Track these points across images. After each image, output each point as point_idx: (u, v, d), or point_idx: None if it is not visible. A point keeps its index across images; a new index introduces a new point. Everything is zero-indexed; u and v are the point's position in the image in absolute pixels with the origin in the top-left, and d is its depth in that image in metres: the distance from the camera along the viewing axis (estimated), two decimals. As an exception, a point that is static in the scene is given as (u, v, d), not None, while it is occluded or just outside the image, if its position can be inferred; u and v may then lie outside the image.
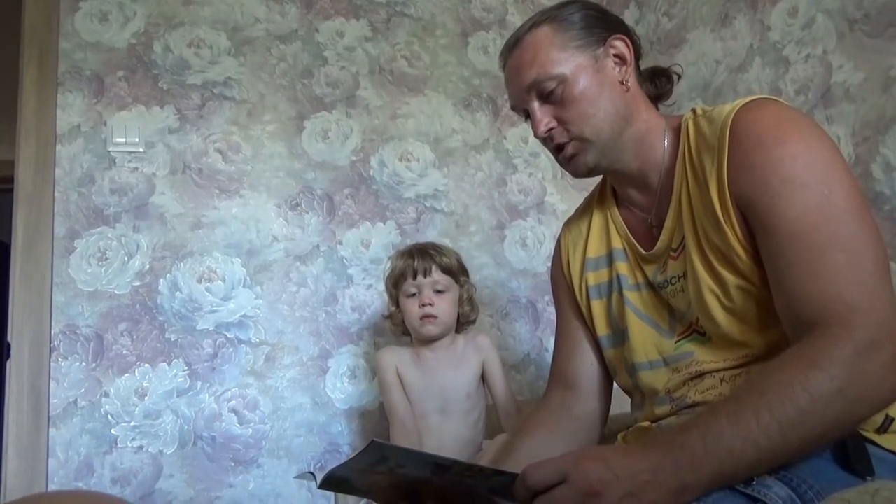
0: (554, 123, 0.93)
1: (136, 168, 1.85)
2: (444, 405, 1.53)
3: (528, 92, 0.93)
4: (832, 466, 0.72)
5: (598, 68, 0.92)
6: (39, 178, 1.77)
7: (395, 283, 1.55)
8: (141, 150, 1.86)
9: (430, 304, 1.50)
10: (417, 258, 1.52)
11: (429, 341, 1.55)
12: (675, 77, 1.02)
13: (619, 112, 0.92)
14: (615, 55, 0.94)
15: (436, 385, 1.53)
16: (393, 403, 1.53)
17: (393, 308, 1.59)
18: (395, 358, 1.57)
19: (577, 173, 0.96)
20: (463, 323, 1.60)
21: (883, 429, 0.75)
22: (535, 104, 0.93)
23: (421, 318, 1.51)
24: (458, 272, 1.57)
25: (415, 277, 1.51)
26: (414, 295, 1.52)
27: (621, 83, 0.93)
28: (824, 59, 1.48)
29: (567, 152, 0.94)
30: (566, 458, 0.67)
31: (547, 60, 0.91)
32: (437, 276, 1.52)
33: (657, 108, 1.02)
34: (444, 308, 1.52)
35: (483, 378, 1.58)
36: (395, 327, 1.62)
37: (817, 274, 0.73)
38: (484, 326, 2.03)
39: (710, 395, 0.85)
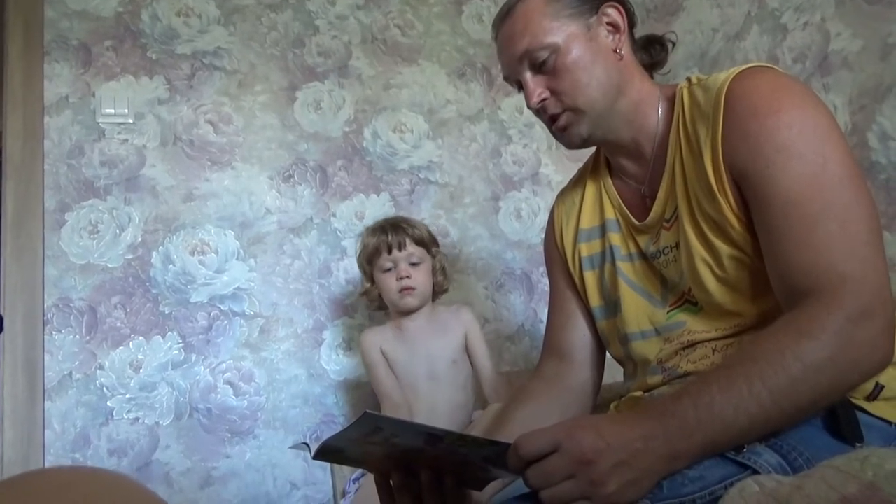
0: (547, 94, 0.92)
1: (126, 140, 1.83)
2: (431, 371, 1.55)
3: (520, 62, 0.92)
4: (822, 434, 0.72)
5: (591, 37, 0.91)
6: (28, 151, 1.75)
7: (370, 260, 1.57)
8: (130, 121, 1.84)
9: (408, 277, 1.52)
10: (391, 233, 1.54)
11: (408, 313, 1.57)
12: (669, 45, 1.01)
13: (613, 81, 0.91)
14: (608, 23, 0.92)
15: (421, 353, 1.56)
16: (379, 379, 1.56)
17: (368, 284, 1.61)
18: (378, 338, 1.59)
19: (571, 144, 0.96)
20: (437, 292, 1.63)
21: (873, 396, 0.76)
22: (528, 74, 0.92)
23: (400, 291, 1.53)
24: (429, 243, 1.59)
25: (389, 252, 1.53)
26: (390, 270, 1.55)
27: (615, 52, 0.92)
28: (822, 27, 1.46)
29: (560, 123, 0.93)
30: (559, 428, 0.67)
31: (539, 30, 0.90)
32: (411, 248, 1.54)
33: (652, 77, 1.00)
34: (421, 280, 1.55)
35: (467, 350, 1.61)
36: (371, 303, 1.65)
37: (810, 243, 0.73)
38: (478, 298, 2.03)
39: (701, 365, 0.85)
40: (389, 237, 1.53)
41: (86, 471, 0.69)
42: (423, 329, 1.58)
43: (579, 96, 0.90)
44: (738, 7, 1.69)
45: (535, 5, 0.91)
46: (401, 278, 1.53)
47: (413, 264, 1.54)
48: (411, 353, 1.56)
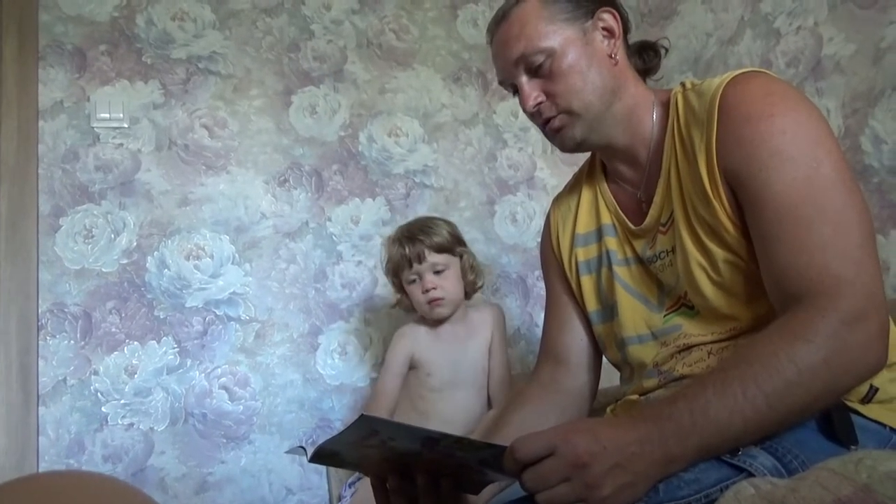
0: (543, 98, 0.92)
1: (121, 144, 1.83)
2: (459, 378, 1.53)
3: (515, 66, 0.92)
4: (817, 436, 0.72)
5: (587, 41, 0.91)
6: (23, 155, 1.74)
7: (395, 273, 1.54)
8: (125, 125, 1.84)
9: (434, 288, 1.48)
10: (408, 245, 1.49)
11: (441, 321, 1.54)
12: (662, 51, 1.01)
13: (608, 86, 0.91)
14: (603, 28, 0.93)
15: (452, 359, 1.53)
16: (385, 390, 1.53)
17: (398, 295, 1.58)
18: (411, 341, 1.55)
19: (565, 147, 0.96)
20: (470, 292, 1.58)
21: (867, 399, 0.76)
22: (524, 78, 0.92)
23: (428, 303, 1.50)
24: (453, 246, 1.53)
25: (411, 265, 1.49)
26: (415, 281, 1.51)
27: (610, 56, 0.92)
28: (815, 31, 1.47)
29: (554, 125, 0.93)
30: (555, 431, 0.67)
31: (535, 34, 0.90)
32: (432, 258, 1.49)
33: (645, 82, 1.01)
34: (448, 287, 1.50)
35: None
36: (407, 310, 1.61)
37: (804, 247, 0.74)
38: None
39: (697, 368, 0.86)
40: (407, 250, 1.48)
41: (79, 475, 0.69)
42: (457, 334, 1.54)
43: (574, 100, 0.90)
44: (731, 12, 1.70)
45: (530, 9, 0.91)
46: (426, 290, 1.48)
47: (438, 272, 1.49)
48: (443, 358, 1.53)
